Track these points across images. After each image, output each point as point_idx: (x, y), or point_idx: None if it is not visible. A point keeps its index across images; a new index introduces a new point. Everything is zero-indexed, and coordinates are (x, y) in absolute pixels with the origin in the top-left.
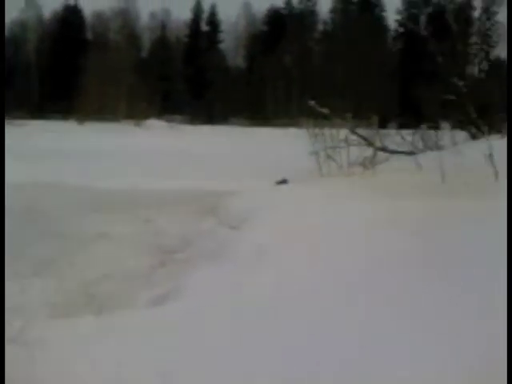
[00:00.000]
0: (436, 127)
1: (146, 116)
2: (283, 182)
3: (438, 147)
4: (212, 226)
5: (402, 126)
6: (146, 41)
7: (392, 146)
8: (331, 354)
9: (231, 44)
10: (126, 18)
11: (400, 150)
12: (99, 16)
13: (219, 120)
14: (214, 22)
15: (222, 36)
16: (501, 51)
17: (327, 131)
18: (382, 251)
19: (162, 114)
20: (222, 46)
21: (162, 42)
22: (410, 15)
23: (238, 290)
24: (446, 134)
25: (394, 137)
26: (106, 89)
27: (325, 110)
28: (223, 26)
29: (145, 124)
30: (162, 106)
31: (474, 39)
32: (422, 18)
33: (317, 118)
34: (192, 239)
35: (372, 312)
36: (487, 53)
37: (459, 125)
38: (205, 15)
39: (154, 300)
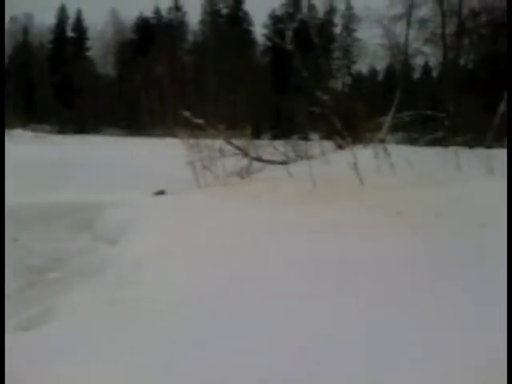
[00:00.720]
0: (306, 138)
1: (11, 126)
2: (161, 192)
3: (308, 157)
4: (87, 241)
5: (275, 137)
6: (8, 46)
7: (266, 156)
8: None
9: (100, 51)
10: None
11: (273, 159)
12: None
13: (91, 130)
14: (80, 28)
15: (89, 43)
16: (361, 66)
17: (203, 142)
18: (263, 256)
19: (27, 124)
20: (90, 53)
21: (25, 47)
22: (276, 30)
23: (117, 306)
24: (315, 145)
25: (268, 147)
26: None
27: (199, 121)
28: (90, 33)
29: (11, 134)
30: (27, 115)
31: (336, 54)
32: (288, 33)
33: (193, 129)
34: (66, 257)
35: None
36: (349, 68)
37: (327, 135)
38: (70, 21)
39: (23, 324)
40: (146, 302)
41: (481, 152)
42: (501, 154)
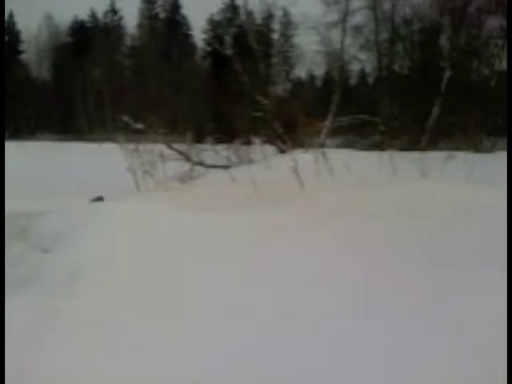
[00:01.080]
0: (248, 142)
1: None
2: (99, 199)
3: (251, 161)
4: (21, 250)
5: (217, 142)
6: None
7: (209, 161)
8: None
9: (34, 55)
10: None
11: (216, 164)
12: None
13: (26, 135)
14: (12, 31)
15: (23, 46)
16: (300, 72)
17: (144, 147)
18: (206, 260)
19: None
20: (24, 56)
21: None
22: (215, 35)
23: (53, 315)
24: (258, 149)
25: (211, 152)
26: None
27: (139, 125)
28: (23, 36)
29: None
30: None
31: (275, 60)
32: (228, 38)
33: (133, 133)
34: None
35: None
36: (288, 73)
37: (268, 140)
38: None
39: None
40: (83, 312)
41: (416, 155)
42: (434, 156)
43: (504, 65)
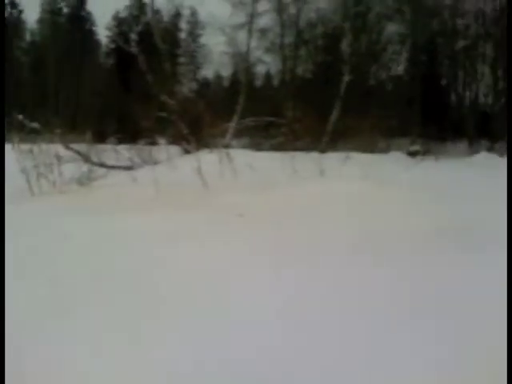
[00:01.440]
0: (153, 143)
1: None
2: None
3: (154, 162)
4: None
5: (121, 142)
6: None
7: (110, 162)
8: None
9: None
10: None
11: (117, 165)
12: None
13: None
14: None
15: None
16: (207, 72)
17: (39, 147)
18: (103, 269)
19: None
20: None
21: None
22: (120, 32)
23: None
24: (162, 149)
25: (112, 152)
26: None
27: (34, 125)
28: None
29: None
30: None
31: (181, 59)
32: (133, 36)
33: (28, 133)
34: None
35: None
36: (195, 73)
37: (174, 140)
38: None
39: None
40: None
41: (316, 156)
42: (333, 156)
43: (400, 69)
